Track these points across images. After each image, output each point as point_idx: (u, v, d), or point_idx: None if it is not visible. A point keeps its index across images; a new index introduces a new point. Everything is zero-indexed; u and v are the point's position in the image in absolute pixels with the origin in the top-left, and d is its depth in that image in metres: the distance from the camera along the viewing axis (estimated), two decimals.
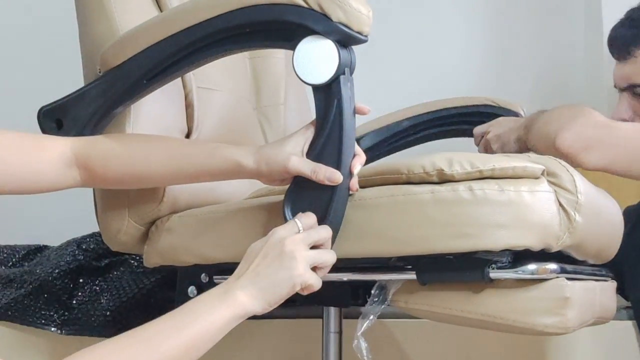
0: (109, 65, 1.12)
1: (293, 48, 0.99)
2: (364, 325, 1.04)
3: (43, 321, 1.57)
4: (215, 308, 0.89)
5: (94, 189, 1.24)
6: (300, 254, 0.93)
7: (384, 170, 1.03)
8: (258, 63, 1.60)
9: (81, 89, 1.15)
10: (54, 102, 1.16)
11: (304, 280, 0.93)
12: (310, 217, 0.98)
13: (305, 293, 0.96)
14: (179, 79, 1.31)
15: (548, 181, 1.01)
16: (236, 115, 1.44)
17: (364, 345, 1.03)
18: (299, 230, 0.96)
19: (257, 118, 1.57)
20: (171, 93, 1.27)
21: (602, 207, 1.14)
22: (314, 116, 1.68)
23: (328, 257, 0.97)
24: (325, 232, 0.98)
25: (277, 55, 1.61)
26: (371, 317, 1.04)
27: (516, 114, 1.66)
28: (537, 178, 1.01)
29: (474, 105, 1.71)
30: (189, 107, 1.30)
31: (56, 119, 1.15)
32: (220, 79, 1.43)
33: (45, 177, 1.05)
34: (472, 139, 1.64)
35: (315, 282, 0.95)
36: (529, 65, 2.19)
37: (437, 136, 1.74)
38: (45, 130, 1.15)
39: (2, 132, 1.02)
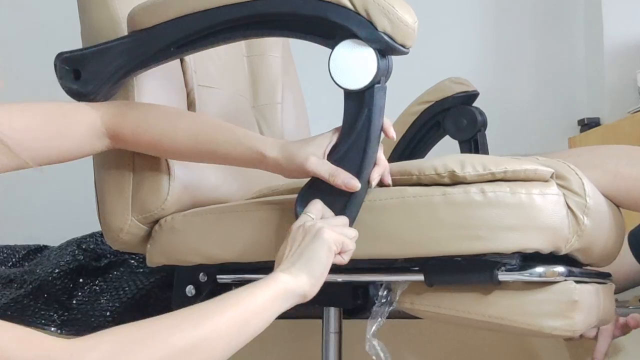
0: (136, 26, 1.09)
1: (331, 47, 0.97)
2: (373, 326, 1.03)
3: (43, 321, 1.56)
4: (256, 288, 0.88)
5: (95, 188, 1.23)
6: (326, 226, 0.94)
7: (395, 171, 1.03)
8: (255, 62, 1.59)
9: (103, 43, 1.11)
10: (74, 51, 1.12)
11: (335, 239, 0.93)
12: (317, 206, 0.98)
13: (345, 258, 0.95)
14: (181, 77, 1.30)
15: (557, 184, 1.01)
16: (235, 113, 1.43)
17: (378, 345, 1.03)
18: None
19: (254, 117, 1.56)
20: (174, 91, 1.26)
21: (608, 212, 1.14)
22: (310, 116, 1.69)
23: (350, 233, 0.97)
24: (342, 220, 0.98)
25: (274, 54, 1.61)
26: (379, 318, 1.03)
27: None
28: (546, 181, 1.00)
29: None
30: (190, 105, 1.28)
31: (74, 68, 1.10)
32: (219, 77, 1.42)
33: (77, 150, 1.07)
34: None
35: (347, 240, 0.95)
36: (529, 67, 2.20)
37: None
38: (61, 75, 1.11)
39: (35, 109, 1.03)
